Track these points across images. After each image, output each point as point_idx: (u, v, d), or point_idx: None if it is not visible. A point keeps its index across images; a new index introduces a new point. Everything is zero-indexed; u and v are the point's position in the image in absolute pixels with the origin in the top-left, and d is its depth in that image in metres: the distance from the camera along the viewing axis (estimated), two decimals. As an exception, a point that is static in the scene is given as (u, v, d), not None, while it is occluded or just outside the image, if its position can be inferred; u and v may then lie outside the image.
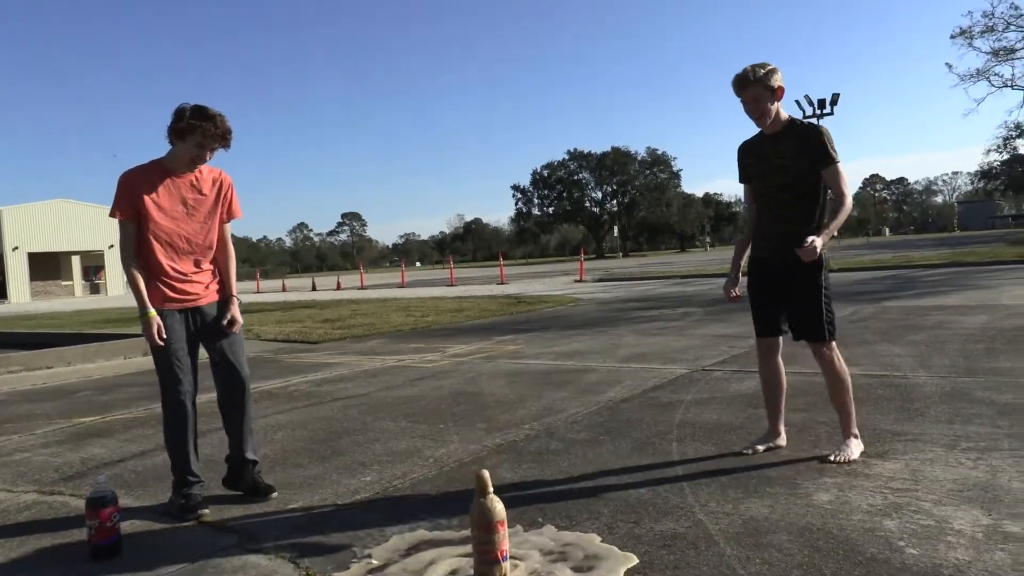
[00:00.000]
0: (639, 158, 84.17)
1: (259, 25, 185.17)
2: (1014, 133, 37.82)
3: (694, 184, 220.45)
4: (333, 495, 3.22)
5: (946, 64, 37.05)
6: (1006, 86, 32.78)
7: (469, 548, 2.36)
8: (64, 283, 47.12)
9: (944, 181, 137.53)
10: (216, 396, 3.25)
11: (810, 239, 3.01)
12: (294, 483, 3.42)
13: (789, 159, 3.19)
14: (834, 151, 3.15)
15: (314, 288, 31.72)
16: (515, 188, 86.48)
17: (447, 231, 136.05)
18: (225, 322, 3.13)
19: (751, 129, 3.35)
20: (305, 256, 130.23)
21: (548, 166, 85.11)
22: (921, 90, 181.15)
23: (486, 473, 2.30)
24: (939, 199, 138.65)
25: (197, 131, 2.96)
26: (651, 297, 14.36)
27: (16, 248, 42.93)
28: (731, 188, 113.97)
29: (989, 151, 41.06)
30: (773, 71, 3.16)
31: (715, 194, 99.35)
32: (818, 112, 22.21)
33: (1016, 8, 31.21)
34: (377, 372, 6.81)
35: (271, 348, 9.43)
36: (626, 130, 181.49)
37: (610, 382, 5.52)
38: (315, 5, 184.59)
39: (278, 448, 4.11)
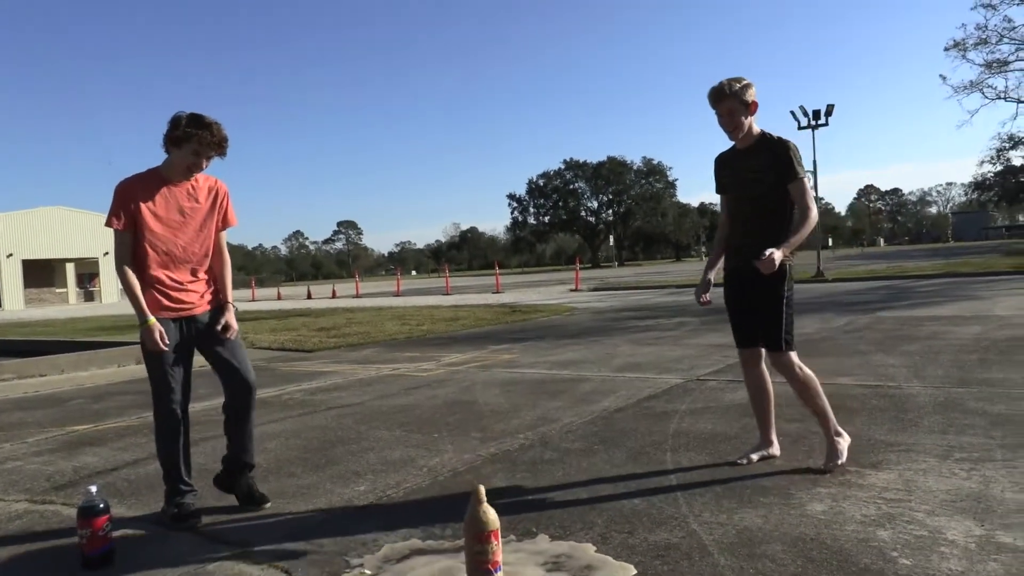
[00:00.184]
0: (635, 168, 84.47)
1: (256, 32, 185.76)
2: (1007, 145, 38.03)
3: (689, 194, 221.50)
4: (327, 504, 3.21)
5: (940, 76, 37.41)
6: (999, 98, 33.03)
7: (462, 558, 2.35)
8: (58, 290, 46.97)
9: (938, 192, 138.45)
10: (223, 401, 3.23)
11: (768, 251, 3.05)
12: (288, 492, 3.41)
13: (760, 172, 3.25)
14: (800, 166, 3.21)
15: (309, 296, 31.66)
16: (511, 197, 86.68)
17: (443, 240, 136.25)
18: (219, 328, 3.11)
19: None
20: (301, 264, 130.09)
21: (544, 175, 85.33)
22: (915, 101, 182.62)
23: (482, 488, 2.30)
24: (933, 210, 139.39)
25: (193, 139, 2.97)
26: (646, 307, 14.38)
27: (10, 255, 42.81)
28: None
29: (983, 162, 41.23)
30: (748, 86, 3.22)
31: (710, 204, 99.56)
32: (813, 123, 22.29)
33: (1009, 21, 31.51)
34: (372, 381, 6.80)
35: (266, 356, 9.41)
36: (622, 140, 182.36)
37: (605, 391, 5.52)
38: (312, 13, 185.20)
39: (272, 457, 4.09)
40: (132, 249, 3.03)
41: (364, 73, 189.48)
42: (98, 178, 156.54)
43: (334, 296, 30.34)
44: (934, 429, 3.84)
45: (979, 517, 2.59)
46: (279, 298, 32.92)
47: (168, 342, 3.00)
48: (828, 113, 22.24)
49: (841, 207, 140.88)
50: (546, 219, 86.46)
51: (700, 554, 2.43)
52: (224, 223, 3.24)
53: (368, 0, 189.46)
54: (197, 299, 3.13)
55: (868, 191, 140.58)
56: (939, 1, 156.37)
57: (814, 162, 22.57)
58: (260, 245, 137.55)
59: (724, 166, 3.45)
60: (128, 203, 3.00)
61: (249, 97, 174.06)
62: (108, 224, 3.02)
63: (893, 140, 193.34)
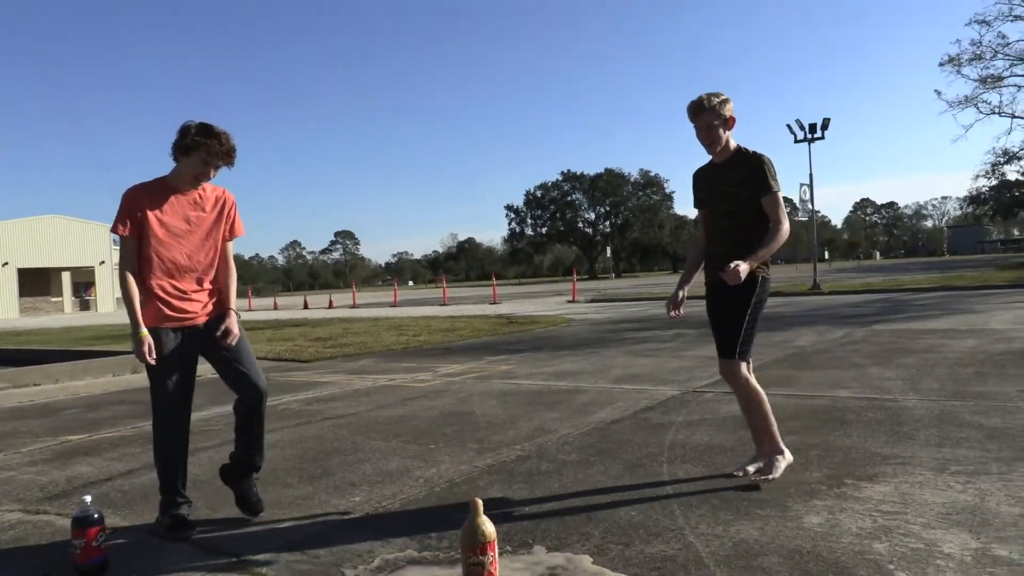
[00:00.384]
0: (632, 180, 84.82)
1: (254, 40, 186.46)
2: (1002, 159, 38.24)
3: (686, 206, 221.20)
4: (322, 514, 3.19)
5: (935, 91, 37.62)
6: (994, 113, 33.28)
7: (459, 569, 2.35)
8: (54, 299, 46.82)
9: (934, 205, 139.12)
10: (234, 404, 3.23)
11: (734, 263, 3.07)
12: (283, 502, 3.40)
13: (735, 187, 3.28)
14: (775, 180, 3.23)
15: (306, 306, 31.63)
16: (508, 208, 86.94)
17: (440, 250, 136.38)
18: (219, 333, 3.08)
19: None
20: (298, 274, 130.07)
21: (542, 186, 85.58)
22: (911, 116, 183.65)
23: (479, 500, 2.30)
24: (929, 223, 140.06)
25: (202, 148, 2.97)
26: (643, 318, 14.39)
27: (6, 264, 42.70)
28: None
29: (978, 177, 41.41)
30: (726, 101, 3.27)
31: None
32: (809, 136, 22.42)
33: (1003, 37, 31.82)
34: (368, 391, 6.79)
35: (262, 366, 9.35)
36: (619, 152, 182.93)
37: (601, 403, 5.51)
38: (312, 20, 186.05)
39: (267, 467, 4.06)
40: (137, 256, 3.03)
41: (362, 84, 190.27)
42: (94, 187, 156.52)
43: (331, 306, 30.31)
44: (930, 442, 3.84)
45: (975, 530, 2.59)
46: (276, 308, 32.87)
47: (157, 355, 2.98)
48: (824, 127, 22.37)
49: (837, 220, 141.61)
50: (543, 230, 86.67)
51: (696, 566, 2.42)
52: (231, 233, 3.23)
53: (368, 9, 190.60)
54: (200, 309, 3.12)
55: (864, 204, 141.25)
56: (935, 16, 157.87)
57: (810, 175, 22.68)
58: (257, 255, 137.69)
59: (701, 180, 3.50)
60: (134, 210, 3.00)
61: (247, 105, 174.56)
62: (113, 230, 3.02)
63: (889, 154, 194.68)
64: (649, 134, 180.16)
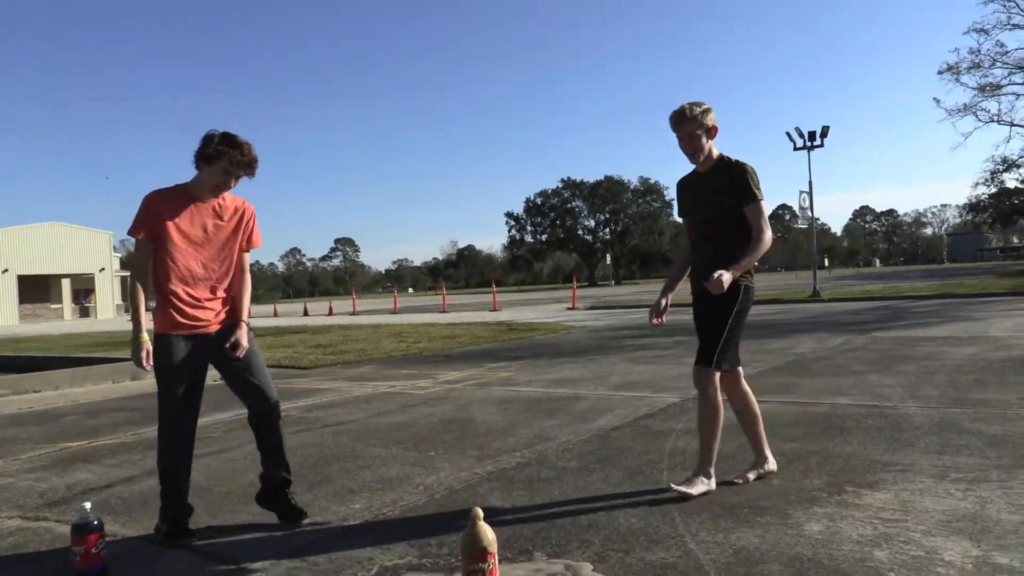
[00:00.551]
0: (632, 187, 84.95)
1: (254, 48, 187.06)
2: (1001, 167, 38.30)
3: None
4: (322, 521, 3.19)
5: (934, 99, 37.72)
6: (993, 121, 33.39)
7: (459, 577, 2.34)
8: (53, 306, 46.83)
9: (933, 213, 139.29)
10: (248, 417, 3.22)
11: (717, 273, 3.08)
12: (283, 510, 3.39)
13: (718, 195, 3.29)
14: (757, 189, 3.25)
15: (306, 313, 31.63)
16: (508, 215, 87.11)
17: (440, 257, 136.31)
18: (228, 345, 3.07)
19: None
20: (298, 281, 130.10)
21: (541, 194, 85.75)
22: (910, 124, 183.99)
23: (479, 510, 2.30)
24: (928, 231, 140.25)
25: (224, 157, 2.98)
26: (643, 325, 14.39)
27: (6, 271, 42.73)
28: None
29: (977, 184, 41.44)
30: (708, 110, 3.28)
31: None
32: (808, 144, 22.47)
33: (1002, 46, 31.95)
34: (368, 398, 6.78)
35: (261, 373, 9.37)
36: (619, 159, 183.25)
37: (601, 410, 5.51)
38: (311, 26, 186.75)
39: (267, 474, 4.07)
40: (153, 262, 3.04)
41: (361, 91, 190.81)
42: (95, 194, 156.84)
43: (331, 313, 30.31)
44: (930, 449, 3.84)
45: (975, 538, 2.59)
46: (275, 315, 32.86)
47: (165, 362, 2.99)
48: (823, 134, 22.42)
49: (837, 228, 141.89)
50: (543, 237, 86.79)
51: (697, 574, 2.42)
52: (248, 244, 3.23)
53: (368, 16, 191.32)
54: (212, 317, 3.11)
55: (863, 212, 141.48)
56: (934, 25, 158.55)
57: (810, 183, 22.72)
58: (257, 262, 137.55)
59: (685, 189, 3.52)
60: (153, 215, 3.01)
61: (248, 112, 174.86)
62: (131, 233, 3.03)
63: (888, 161, 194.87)
64: (649, 141, 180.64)
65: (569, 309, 23.21)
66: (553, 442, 4.51)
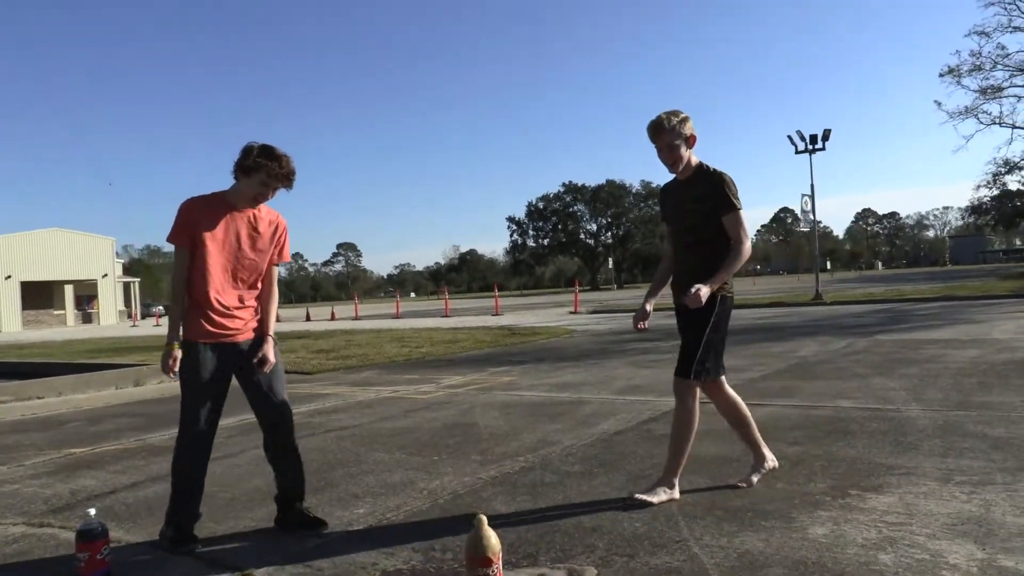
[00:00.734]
0: (633, 191, 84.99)
1: (257, 53, 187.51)
2: (1003, 169, 38.28)
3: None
4: (326, 527, 3.19)
5: (936, 102, 37.67)
6: (994, 123, 33.37)
7: (463, 581, 2.34)
8: (56, 312, 46.88)
9: (935, 216, 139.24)
10: (263, 437, 3.22)
11: (695, 287, 3.09)
12: (286, 515, 3.38)
13: (697, 203, 3.29)
14: (735, 199, 3.25)
15: (308, 318, 31.64)
16: (510, 220, 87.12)
17: (442, 262, 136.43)
18: (256, 360, 3.09)
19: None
20: (300, 286, 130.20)
21: (543, 198, 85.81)
22: (912, 126, 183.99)
23: (483, 515, 2.30)
24: (930, 233, 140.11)
25: (263, 170, 3.00)
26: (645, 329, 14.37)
27: (9, 277, 42.80)
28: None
29: (979, 187, 41.44)
30: (686, 119, 3.29)
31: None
32: (810, 147, 22.48)
33: (1003, 48, 31.96)
34: (371, 403, 6.78)
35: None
36: (621, 163, 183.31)
37: (604, 414, 5.51)
38: (312, 32, 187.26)
39: (271, 480, 4.06)
40: (188, 269, 3.06)
41: (364, 94, 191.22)
42: (97, 200, 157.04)
43: (333, 318, 30.32)
44: (934, 452, 3.83)
45: (980, 541, 2.59)
46: (278, 320, 32.76)
47: (191, 371, 3.01)
48: (825, 138, 22.44)
49: (839, 231, 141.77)
50: (545, 242, 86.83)
51: (701, 578, 2.42)
52: (279, 257, 3.26)
53: (368, 22, 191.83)
54: (241, 326, 3.12)
55: (866, 214, 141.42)
56: (936, 27, 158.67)
57: (811, 186, 22.73)
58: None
59: (667, 197, 3.53)
60: (189, 222, 3.03)
61: (250, 118, 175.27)
62: (170, 240, 3.06)
63: (890, 164, 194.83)
64: (650, 145, 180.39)
65: (571, 313, 23.20)
66: (556, 446, 4.50)
